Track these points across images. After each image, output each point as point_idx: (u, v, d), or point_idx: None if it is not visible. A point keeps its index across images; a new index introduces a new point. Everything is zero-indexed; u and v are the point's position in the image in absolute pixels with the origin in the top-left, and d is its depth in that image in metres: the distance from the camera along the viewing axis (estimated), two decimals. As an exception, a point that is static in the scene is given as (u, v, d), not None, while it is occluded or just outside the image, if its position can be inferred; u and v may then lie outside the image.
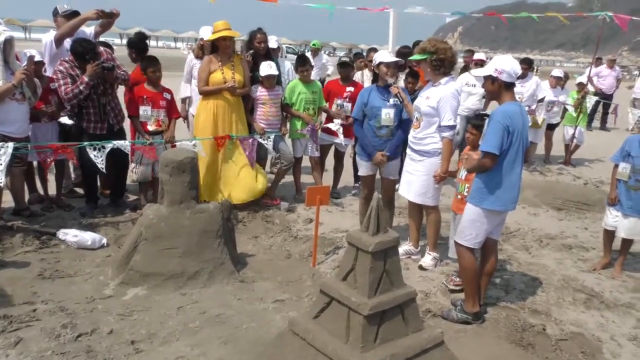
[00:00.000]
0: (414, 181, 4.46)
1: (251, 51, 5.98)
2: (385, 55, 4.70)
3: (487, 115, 4.50)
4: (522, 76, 8.34)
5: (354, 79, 7.88)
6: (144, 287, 3.88)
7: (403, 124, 4.70)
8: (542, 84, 8.79)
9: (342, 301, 2.58)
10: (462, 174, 4.18)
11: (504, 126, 3.37)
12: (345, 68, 6.39)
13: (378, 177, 5.01)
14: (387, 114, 4.65)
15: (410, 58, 4.45)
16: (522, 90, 8.33)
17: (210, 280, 4.02)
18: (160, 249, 3.99)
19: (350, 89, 6.24)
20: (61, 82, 4.93)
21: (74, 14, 5.34)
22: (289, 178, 6.55)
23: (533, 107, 8.42)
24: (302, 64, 5.98)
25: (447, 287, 4.15)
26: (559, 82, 9.12)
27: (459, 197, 4.18)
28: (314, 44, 11.70)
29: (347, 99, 6.18)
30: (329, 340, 2.56)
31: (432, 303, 3.94)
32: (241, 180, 5.55)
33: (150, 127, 5.35)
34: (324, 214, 5.51)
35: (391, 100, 4.65)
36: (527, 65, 8.53)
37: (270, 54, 6.17)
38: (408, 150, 4.57)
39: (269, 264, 4.51)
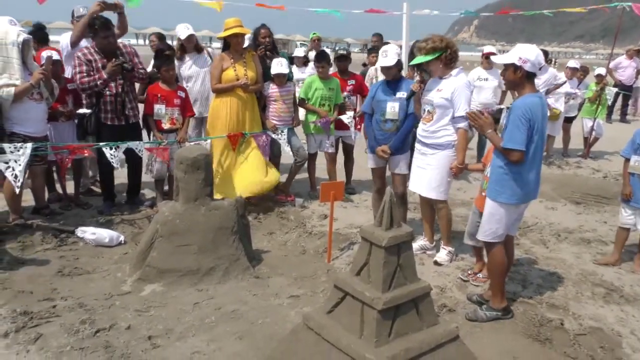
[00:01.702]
0: (426, 175, 4.41)
1: (261, 47, 5.97)
2: (382, 61, 4.67)
3: (499, 111, 4.45)
4: None
5: (368, 73, 7.87)
6: (160, 284, 3.92)
7: (407, 118, 4.67)
8: (558, 75, 8.66)
9: (356, 296, 2.58)
10: (488, 171, 4.05)
11: (526, 119, 3.28)
12: (343, 61, 6.38)
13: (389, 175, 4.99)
14: (392, 108, 4.65)
15: (423, 60, 4.23)
16: (538, 82, 8.20)
17: (226, 277, 4.04)
18: (176, 245, 4.03)
19: (352, 82, 6.33)
20: (77, 69, 5.05)
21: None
22: (303, 174, 6.56)
23: (549, 99, 8.31)
24: (319, 60, 5.99)
25: (469, 282, 4.13)
26: (575, 74, 8.97)
27: (483, 194, 4.01)
28: (314, 33, 10.57)
29: (351, 93, 6.25)
30: (343, 335, 2.57)
31: (447, 298, 3.91)
32: (253, 175, 5.57)
33: (165, 125, 5.39)
34: (338, 210, 5.51)
35: (397, 94, 4.64)
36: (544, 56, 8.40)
37: (277, 49, 6.19)
38: (417, 145, 4.51)
39: (284, 260, 4.53)
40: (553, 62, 26.14)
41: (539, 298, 3.93)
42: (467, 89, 4.26)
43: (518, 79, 3.42)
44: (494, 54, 8.03)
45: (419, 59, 4.27)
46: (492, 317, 3.59)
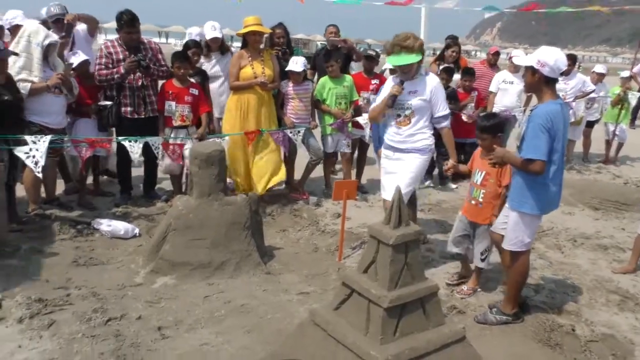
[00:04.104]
0: (400, 179, 4.03)
1: (276, 48, 5.99)
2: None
3: (496, 115, 4.34)
4: (566, 73, 8.11)
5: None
6: (172, 276, 3.98)
7: None
8: (587, 81, 8.51)
9: (363, 293, 2.58)
10: (478, 178, 3.92)
11: (546, 129, 3.19)
12: (371, 61, 6.37)
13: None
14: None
15: (416, 60, 3.96)
16: (566, 87, 8.10)
17: (237, 271, 4.08)
18: (189, 239, 4.08)
19: (376, 81, 6.26)
20: (97, 61, 5.26)
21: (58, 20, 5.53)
22: (319, 173, 6.58)
23: (574, 104, 8.20)
24: (327, 60, 6.00)
25: (454, 291, 4.04)
26: (601, 79, 8.84)
27: (473, 202, 3.93)
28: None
29: (374, 92, 6.19)
30: (349, 332, 2.57)
31: (458, 300, 3.89)
32: (267, 170, 5.62)
33: (175, 122, 5.42)
34: (352, 209, 5.52)
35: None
36: (571, 61, 8.25)
37: (292, 49, 6.20)
38: (387, 152, 4.30)
39: (296, 257, 4.55)
40: (578, 66, 25.71)
41: (550, 303, 3.88)
42: (442, 87, 4.27)
43: (535, 82, 3.34)
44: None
45: (411, 58, 3.95)
46: (502, 321, 3.56)
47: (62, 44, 5.23)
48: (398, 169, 4.20)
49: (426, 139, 4.19)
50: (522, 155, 3.28)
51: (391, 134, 4.24)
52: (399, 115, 4.18)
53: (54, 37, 4.86)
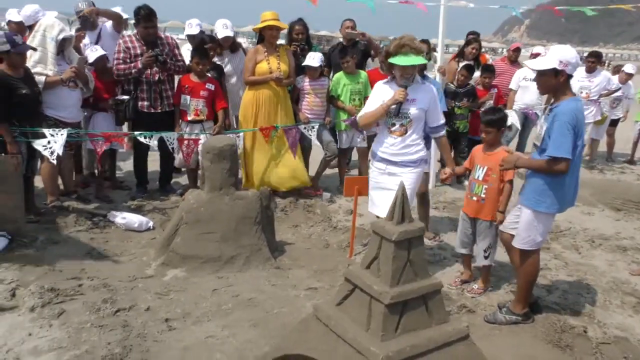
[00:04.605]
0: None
1: (295, 43, 5.99)
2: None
3: (500, 109, 4.23)
4: (590, 70, 7.94)
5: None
6: (182, 269, 4.02)
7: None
8: (612, 78, 8.31)
9: (365, 289, 2.56)
10: (479, 174, 3.83)
11: (573, 127, 3.14)
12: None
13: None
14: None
15: (417, 63, 3.77)
16: (590, 85, 7.92)
17: (247, 266, 4.10)
18: (200, 233, 4.12)
19: None
20: (115, 55, 5.33)
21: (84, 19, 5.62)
22: (334, 169, 6.57)
23: (600, 101, 8.02)
24: (342, 56, 5.98)
25: (464, 291, 3.98)
26: (629, 78, 8.62)
27: (475, 198, 3.86)
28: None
29: None
30: (350, 327, 2.56)
31: (467, 299, 3.85)
32: (283, 170, 5.63)
33: (189, 117, 5.47)
34: (364, 205, 5.49)
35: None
36: (595, 58, 8.07)
37: (311, 45, 6.19)
38: (380, 165, 3.99)
39: (307, 253, 4.55)
40: (607, 65, 25.09)
41: (563, 304, 3.80)
42: (437, 96, 4.05)
43: (560, 83, 3.24)
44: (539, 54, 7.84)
45: (420, 59, 3.77)
46: (512, 321, 3.50)
47: (78, 37, 5.33)
48: (392, 185, 3.82)
49: (421, 150, 3.95)
50: (549, 153, 3.19)
51: (385, 146, 3.92)
52: (393, 125, 3.87)
53: (69, 31, 4.95)
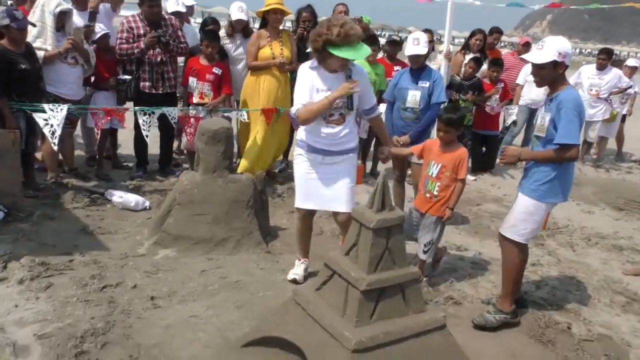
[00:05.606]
0: (341, 187, 3.58)
1: (301, 26, 5.96)
2: (414, 49, 4.54)
3: (460, 109, 4.14)
4: (601, 67, 7.83)
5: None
6: (174, 249, 4.06)
7: (431, 109, 4.55)
8: (623, 77, 8.17)
9: (342, 275, 2.58)
10: (433, 171, 3.76)
11: (578, 113, 3.15)
12: (394, 47, 6.27)
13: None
14: (414, 96, 4.57)
15: (367, 54, 3.48)
16: (600, 82, 7.80)
17: (237, 249, 4.13)
18: (192, 214, 4.15)
19: (398, 68, 6.11)
20: (118, 35, 5.36)
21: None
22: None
23: (610, 99, 7.90)
24: (370, 45, 5.89)
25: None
26: (633, 72, 8.47)
27: (427, 195, 3.80)
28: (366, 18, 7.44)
29: None
30: (327, 313, 2.58)
31: (455, 290, 3.84)
32: (279, 152, 5.66)
33: (194, 99, 5.49)
34: (362, 195, 5.48)
35: (419, 83, 4.54)
36: (606, 55, 7.93)
37: None
38: (314, 155, 3.58)
39: (299, 239, 4.56)
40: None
41: (551, 300, 3.79)
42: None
43: (559, 75, 3.24)
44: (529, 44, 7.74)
45: (367, 49, 3.41)
46: (502, 321, 3.42)
47: (88, 31, 5.33)
48: (332, 174, 3.57)
49: (356, 136, 3.70)
50: (558, 141, 3.17)
51: (322, 136, 3.50)
52: (332, 115, 3.46)
53: (66, 4, 4.97)
